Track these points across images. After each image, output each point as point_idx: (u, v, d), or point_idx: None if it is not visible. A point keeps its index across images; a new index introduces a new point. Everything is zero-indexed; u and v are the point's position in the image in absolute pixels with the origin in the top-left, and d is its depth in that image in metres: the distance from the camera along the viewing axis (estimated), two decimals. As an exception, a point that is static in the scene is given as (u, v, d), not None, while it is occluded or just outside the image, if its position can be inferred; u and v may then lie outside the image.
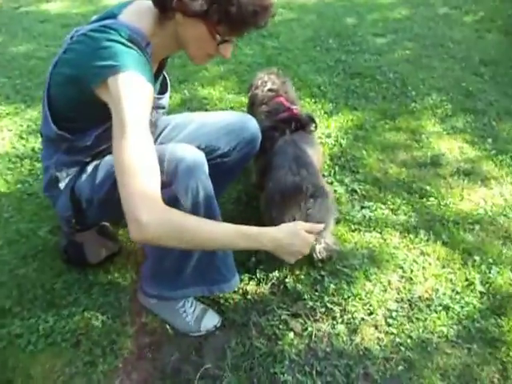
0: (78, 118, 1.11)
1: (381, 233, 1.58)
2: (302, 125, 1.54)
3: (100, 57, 0.96)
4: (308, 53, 2.89)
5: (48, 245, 1.57)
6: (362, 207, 1.69)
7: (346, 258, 1.49)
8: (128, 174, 0.90)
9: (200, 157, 1.10)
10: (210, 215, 1.12)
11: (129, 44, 0.98)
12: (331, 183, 1.81)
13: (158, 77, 1.25)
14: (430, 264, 1.47)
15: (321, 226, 1.12)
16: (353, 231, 1.59)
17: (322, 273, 1.44)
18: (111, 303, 1.39)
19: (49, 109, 1.12)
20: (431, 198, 1.73)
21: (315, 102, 2.37)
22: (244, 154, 1.43)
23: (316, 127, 1.58)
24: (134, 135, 0.91)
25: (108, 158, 1.21)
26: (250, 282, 1.44)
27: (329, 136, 2.11)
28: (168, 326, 1.33)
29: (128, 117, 0.91)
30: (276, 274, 1.46)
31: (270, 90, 1.70)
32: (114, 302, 1.39)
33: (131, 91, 0.95)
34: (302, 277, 1.44)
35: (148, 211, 0.88)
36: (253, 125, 1.45)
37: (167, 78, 1.33)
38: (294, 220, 1.35)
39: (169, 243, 0.94)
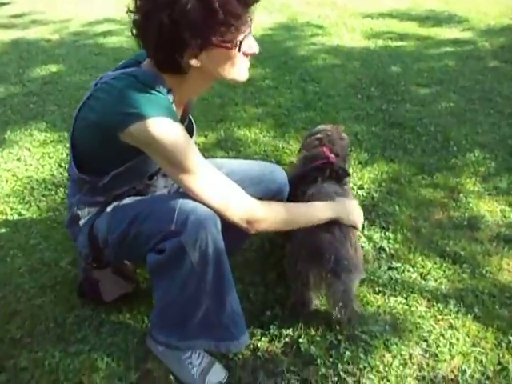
0: (99, 159, 1.13)
1: (406, 298, 1.48)
2: (337, 175, 1.50)
3: (121, 105, 1.00)
4: (348, 100, 2.88)
5: (67, 276, 1.59)
6: (389, 268, 1.60)
7: (367, 322, 1.39)
8: (221, 210, 1.09)
9: (212, 213, 1.08)
10: (218, 271, 1.09)
11: (148, 90, 1.00)
12: (359, 238, 1.73)
13: (184, 121, 1.26)
14: (458, 340, 1.34)
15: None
16: (376, 293, 1.50)
17: (339, 337, 1.35)
18: (118, 344, 1.36)
19: (72, 151, 1.15)
20: (465, 265, 1.61)
21: (350, 151, 2.32)
22: None
23: (349, 178, 1.54)
24: (196, 179, 1.06)
25: (126, 200, 1.22)
26: (263, 338, 1.37)
27: (361, 187, 2.05)
28: (172, 377, 1.28)
29: (184, 164, 1.03)
30: (290, 331, 1.39)
31: (317, 138, 1.67)
32: (121, 343, 1.37)
33: (163, 136, 1.00)
34: (318, 338, 1.36)
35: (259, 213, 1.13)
36: (281, 176, 1.43)
37: (193, 122, 1.34)
38: (321, 277, 1.29)
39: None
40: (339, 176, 1.49)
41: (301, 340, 1.36)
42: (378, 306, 1.45)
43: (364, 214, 1.83)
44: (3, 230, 1.84)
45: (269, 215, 1.17)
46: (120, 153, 1.08)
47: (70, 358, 1.33)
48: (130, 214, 1.16)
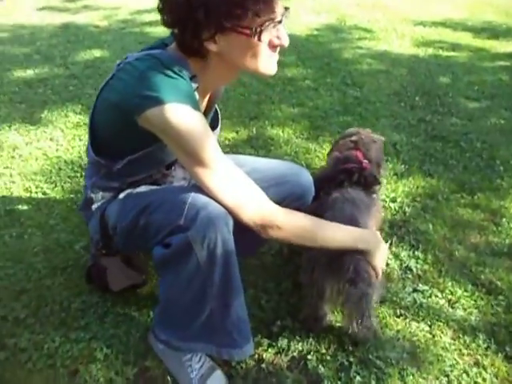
0: (116, 143, 1.09)
1: (430, 326, 1.35)
2: (366, 181, 1.40)
3: (141, 87, 0.95)
4: (390, 107, 2.74)
5: (80, 260, 1.57)
6: (415, 290, 1.47)
7: (383, 347, 1.28)
8: (234, 210, 1.01)
9: (225, 211, 1.01)
10: (226, 274, 1.02)
11: (170, 73, 0.95)
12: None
13: (209, 111, 1.20)
14: (484, 380, 1.21)
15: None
16: (397, 316, 1.38)
17: (351, 359, 1.25)
18: (120, 337, 1.32)
19: (91, 133, 1.11)
20: (501, 297, 1.46)
21: (386, 161, 2.19)
22: (291, 208, 1.32)
23: (379, 187, 1.43)
24: (211, 173, 0.99)
25: (141, 188, 1.17)
26: (269, 349, 1.29)
27: (394, 200, 1.92)
28: (170, 378, 1.22)
29: (199, 155, 0.97)
30: (299, 346, 1.30)
31: (352, 141, 1.56)
32: (123, 335, 1.32)
33: (181, 124, 0.94)
34: (328, 357, 1.26)
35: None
36: (306, 179, 1.35)
37: (219, 113, 1.28)
38: (338, 288, 1.20)
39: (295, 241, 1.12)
40: (368, 183, 1.39)
41: (309, 357, 1.26)
42: (398, 331, 1.33)
43: (393, 230, 1.75)
44: (25, 207, 1.84)
45: (288, 225, 1.08)
46: (137, 138, 1.03)
47: (70, 344, 1.29)
48: (142, 203, 1.11)
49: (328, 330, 1.33)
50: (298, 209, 1.31)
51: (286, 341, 1.31)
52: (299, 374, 1.23)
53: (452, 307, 1.42)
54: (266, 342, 1.31)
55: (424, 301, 1.43)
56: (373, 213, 1.38)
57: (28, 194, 1.93)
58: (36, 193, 1.94)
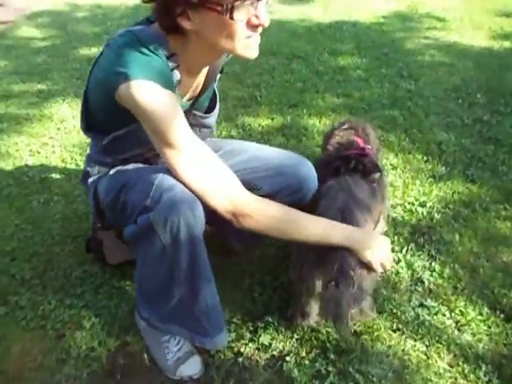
0: (103, 119, 1.10)
1: (428, 346, 1.22)
2: (364, 168, 1.29)
3: (116, 63, 0.94)
4: (444, 104, 2.50)
5: (90, 232, 1.63)
6: (421, 305, 1.34)
7: (368, 361, 1.18)
8: (202, 195, 0.99)
9: (193, 196, 0.98)
10: (192, 260, 1.00)
11: (144, 50, 0.93)
12: (397, 262, 1.48)
13: (204, 91, 1.17)
14: (475, 418, 1.07)
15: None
16: (393, 331, 1.26)
17: (330, 368, 1.17)
18: (110, 309, 1.36)
19: (82, 108, 1.14)
20: (521, 327, 1.28)
21: (426, 161, 2.02)
22: (288, 202, 1.25)
23: (380, 175, 1.31)
24: (178, 155, 0.97)
25: (129, 166, 1.18)
26: (250, 344, 1.25)
27: (423, 205, 1.76)
28: (146, 356, 1.23)
29: (166, 135, 0.95)
30: (280, 345, 1.24)
31: (350, 127, 1.48)
32: (113, 308, 1.36)
33: (148, 101, 0.93)
34: (306, 362, 1.19)
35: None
36: (306, 171, 1.27)
37: (217, 95, 1.24)
38: (326, 286, 1.12)
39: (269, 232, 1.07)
40: (366, 170, 1.28)
41: (288, 358, 1.20)
42: (390, 346, 1.22)
43: (413, 236, 1.60)
44: (58, 176, 1.96)
45: (259, 214, 1.03)
46: (120, 114, 1.03)
47: (63, 309, 1.36)
48: (122, 181, 1.12)
49: (314, 333, 1.26)
50: (294, 203, 1.25)
51: (268, 338, 1.26)
52: (273, 375, 1.18)
53: (459, 330, 1.26)
54: (248, 336, 1.27)
55: (428, 318, 1.29)
56: (371, 203, 1.26)
57: (63, 165, 2.05)
58: (70, 163, 2.05)
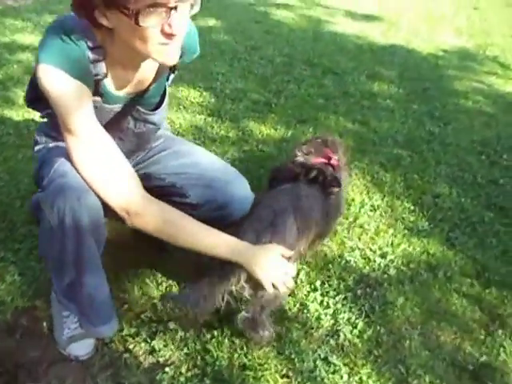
0: (39, 95, 1.12)
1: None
2: (324, 180, 1.30)
3: (40, 44, 0.99)
4: (464, 156, 2.32)
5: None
6: (324, 358, 1.25)
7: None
8: (95, 188, 1.00)
9: (85, 186, 0.99)
10: (77, 248, 1.03)
11: (64, 38, 0.96)
12: (325, 308, 1.40)
13: (146, 90, 1.16)
14: None
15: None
16: (281, 376, 1.20)
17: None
18: (35, 271, 1.42)
19: (30, 84, 1.19)
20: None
21: (411, 211, 1.89)
22: (212, 218, 1.22)
23: (337, 188, 1.33)
24: (76, 142, 0.99)
25: (61, 143, 1.20)
26: (142, 344, 1.25)
27: (383, 256, 1.64)
28: (46, 325, 1.27)
29: (66, 121, 0.97)
30: (168, 354, 1.23)
31: (320, 138, 1.53)
32: (37, 271, 1.42)
33: (52, 87, 0.96)
34: (181, 379, 1.17)
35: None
36: (236, 191, 1.25)
37: (166, 93, 1.24)
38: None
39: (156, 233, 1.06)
40: (326, 183, 1.30)
41: (167, 369, 1.19)
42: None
43: (356, 286, 1.50)
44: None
45: (148, 214, 1.05)
46: None
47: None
48: (48, 156, 1.16)
49: (205, 353, 1.23)
50: (217, 219, 1.23)
51: (161, 343, 1.26)
52: (146, 380, 1.17)
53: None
54: (144, 335, 1.27)
55: (323, 374, 1.21)
56: (314, 216, 1.26)
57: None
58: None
